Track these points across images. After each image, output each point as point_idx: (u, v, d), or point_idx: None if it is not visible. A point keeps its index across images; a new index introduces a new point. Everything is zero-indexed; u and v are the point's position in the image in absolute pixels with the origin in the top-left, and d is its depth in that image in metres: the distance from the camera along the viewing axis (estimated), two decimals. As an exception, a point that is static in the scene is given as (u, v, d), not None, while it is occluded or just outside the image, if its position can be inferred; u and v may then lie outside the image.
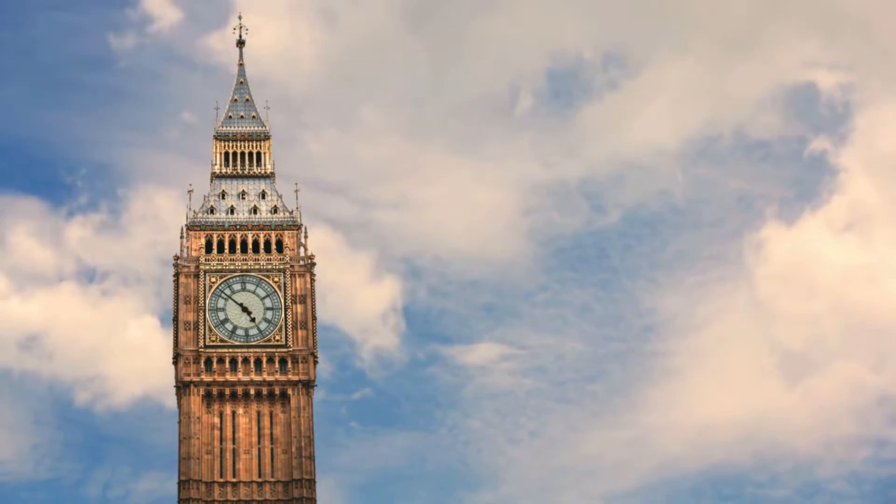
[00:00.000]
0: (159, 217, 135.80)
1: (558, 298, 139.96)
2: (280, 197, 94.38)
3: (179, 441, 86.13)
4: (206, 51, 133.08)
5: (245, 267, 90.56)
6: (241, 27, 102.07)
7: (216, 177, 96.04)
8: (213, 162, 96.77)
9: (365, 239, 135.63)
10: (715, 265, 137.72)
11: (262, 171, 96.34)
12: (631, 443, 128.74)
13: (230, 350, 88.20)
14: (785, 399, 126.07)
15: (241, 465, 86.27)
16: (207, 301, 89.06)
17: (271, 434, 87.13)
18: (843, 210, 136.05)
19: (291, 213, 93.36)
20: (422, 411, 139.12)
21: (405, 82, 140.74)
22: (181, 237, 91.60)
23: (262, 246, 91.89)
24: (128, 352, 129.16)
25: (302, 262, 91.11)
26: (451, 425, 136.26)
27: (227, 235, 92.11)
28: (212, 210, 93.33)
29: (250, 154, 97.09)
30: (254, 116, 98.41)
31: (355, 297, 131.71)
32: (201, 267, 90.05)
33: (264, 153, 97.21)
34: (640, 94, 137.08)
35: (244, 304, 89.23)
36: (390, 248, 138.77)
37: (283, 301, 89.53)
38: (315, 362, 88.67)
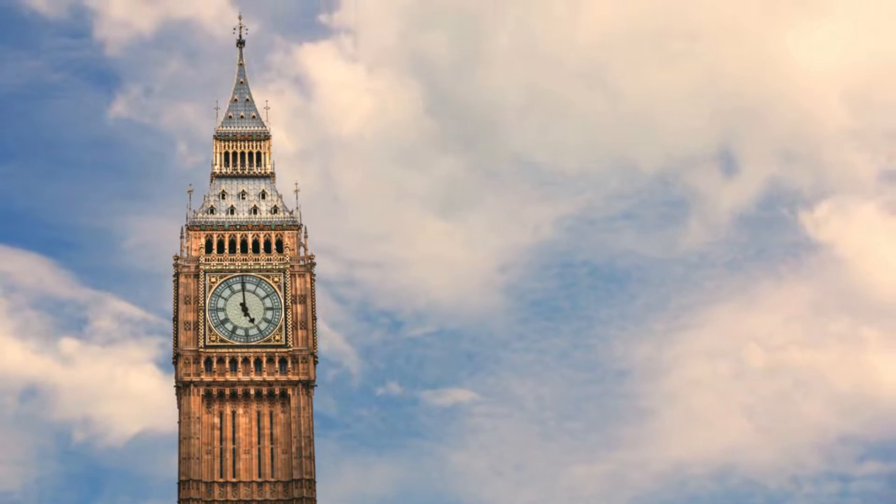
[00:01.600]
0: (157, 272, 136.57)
1: (535, 346, 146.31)
2: (280, 197, 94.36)
3: (179, 441, 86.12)
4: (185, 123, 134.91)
5: (245, 267, 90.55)
6: (241, 27, 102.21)
7: (216, 177, 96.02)
8: (213, 162, 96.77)
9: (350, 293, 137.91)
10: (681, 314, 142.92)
11: (262, 171, 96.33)
12: (608, 477, 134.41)
13: (230, 350, 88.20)
14: (753, 437, 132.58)
15: (241, 465, 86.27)
16: (207, 301, 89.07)
17: (271, 434, 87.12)
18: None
19: (291, 213, 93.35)
20: (409, 444, 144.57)
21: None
22: (181, 237, 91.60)
23: (262, 246, 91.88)
24: (127, 396, 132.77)
25: (302, 262, 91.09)
26: (438, 457, 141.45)
27: (227, 235, 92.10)
28: (212, 210, 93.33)
29: (250, 154, 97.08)
30: (254, 116, 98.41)
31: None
32: (201, 267, 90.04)
33: (264, 153, 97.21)
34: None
35: (244, 305, 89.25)
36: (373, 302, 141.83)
37: (283, 301, 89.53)
38: (315, 362, 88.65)
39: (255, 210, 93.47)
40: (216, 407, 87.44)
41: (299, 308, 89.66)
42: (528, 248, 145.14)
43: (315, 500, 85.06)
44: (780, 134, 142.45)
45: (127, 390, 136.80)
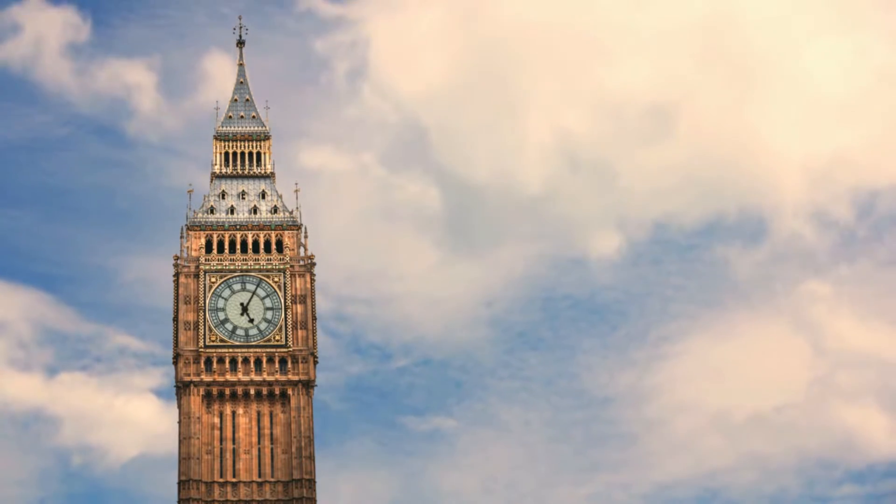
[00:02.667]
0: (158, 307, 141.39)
1: (521, 374, 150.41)
2: (280, 197, 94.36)
3: (179, 441, 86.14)
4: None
5: (245, 267, 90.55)
6: (240, 27, 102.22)
7: (216, 177, 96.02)
8: (213, 162, 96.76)
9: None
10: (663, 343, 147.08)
11: (262, 171, 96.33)
12: (593, 498, 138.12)
13: (230, 350, 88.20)
14: (734, 461, 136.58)
15: (241, 465, 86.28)
16: (207, 301, 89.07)
17: (271, 434, 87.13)
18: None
19: (291, 213, 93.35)
20: (402, 462, 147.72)
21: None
22: (181, 237, 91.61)
23: (262, 246, 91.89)
24: (127, 423, 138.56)
25: (302, 262, 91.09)
26: (430, 476, 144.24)
27: (227, 235, 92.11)
28: (212, 210, 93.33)
29: (250, 154, 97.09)
30: (254, 116, 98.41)
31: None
32: (201, 267, 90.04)
33: (264, 153, 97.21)
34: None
35: (244, 305, 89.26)
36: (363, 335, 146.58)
37: (283, 301, 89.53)
38: (315, 362, 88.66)
39: (255, 210, 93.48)
40: (216, 407, 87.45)
41: (299, 308, 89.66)
42: (514, 283, 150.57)
43: (315, 500, 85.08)
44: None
45: (127, 417, 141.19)
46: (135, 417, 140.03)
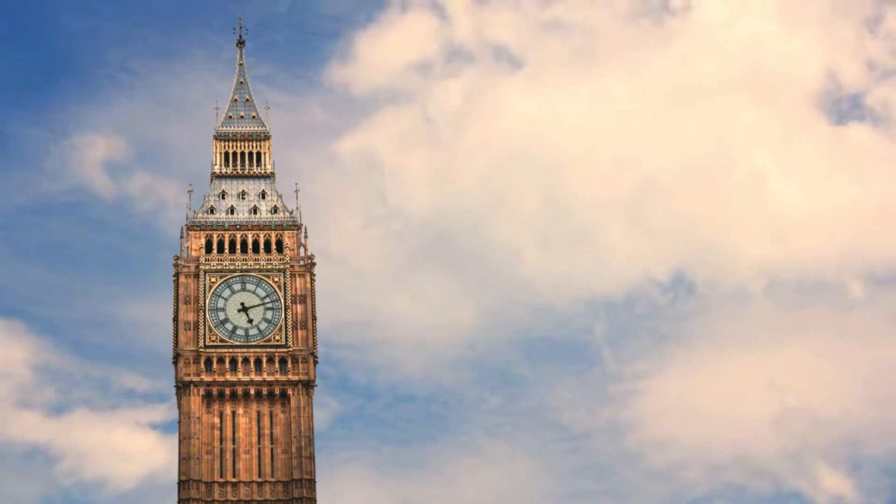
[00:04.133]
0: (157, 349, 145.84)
1: (504, 409, 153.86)
2: (280, 197, 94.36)
3: (179, 441, 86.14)
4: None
5: (245, 267, 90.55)
6: (240, 27, 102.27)
7: (216, 177, 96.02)
8: (213, 162, 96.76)
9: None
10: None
11: (262, 171, 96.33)
12: None
13: (230, 350, 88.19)
14: (708, 490, 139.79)
15: (241, 465, 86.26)
16: (207, 301, 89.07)
17: (271, 434, 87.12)
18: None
19: (291, 213, 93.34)
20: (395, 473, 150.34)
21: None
22: (181, 237, 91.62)
23: (262, 246, 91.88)
24: (128, 455, 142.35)
25: (302, 262, 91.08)
26: (425, 487, 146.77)
27: (227, 235, 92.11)
28: (212, 210, 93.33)
29: (250, 154, 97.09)
30: (254, 116, 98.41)
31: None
32: (201, 267, 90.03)
33: (264, 153, 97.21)
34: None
35: (244, 306, 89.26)
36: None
37: (283, 301, 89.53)
38: (315, 362, 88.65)
39: (255, 210, 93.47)
40: (216, 407, 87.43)
41: (299, 308, 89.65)
42: (495, 326, 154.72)
43: (315, 500, 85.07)
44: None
45: (127, 448, 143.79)
46: (135, 448, 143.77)
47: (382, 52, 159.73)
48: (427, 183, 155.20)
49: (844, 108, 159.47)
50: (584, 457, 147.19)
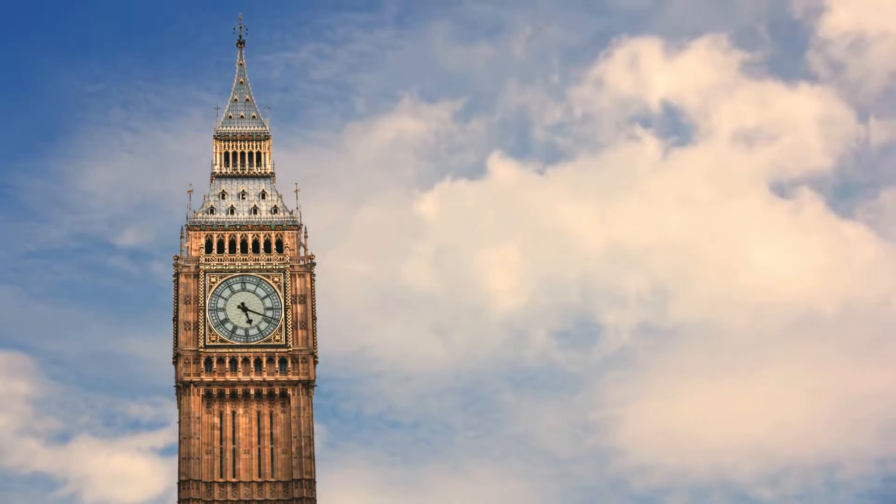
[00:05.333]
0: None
1: (490, 433, 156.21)
2: (280, 197, 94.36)
3: (179, 441, 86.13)
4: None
5: (245, 267, 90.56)
6: (240, 27, 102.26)
7: (216, 177, 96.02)
8: (213, 162, 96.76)
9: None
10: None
11: (262, 171, 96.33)
12: None
13: (230, 350, 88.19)
14: None
15: (241, 465, 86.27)
16: (207, 301, 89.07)
17: (271, 434, 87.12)
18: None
19: (291, 213, 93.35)
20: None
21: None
22: (181, 237, 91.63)
23: (262, 246, 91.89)
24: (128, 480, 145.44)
25: (302, 262, 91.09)
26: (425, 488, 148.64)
27: (227, 235, 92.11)
28: (212, 210, 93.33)
29: (250, 154, 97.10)
30: (254, 116, 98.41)
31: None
32: (201, 267, 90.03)
33: (264, 153, 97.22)
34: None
35: (244, 306, 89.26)
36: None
37: (283, 301, 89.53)
38: (315, 362, 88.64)
39: (255, 210, 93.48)
40: (216, 407, 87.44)
41: (299, 308, 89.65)
42: (481, 360, 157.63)
43: (315, 500, 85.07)
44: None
45: (128, 473, 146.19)
46: (136, 472, 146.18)
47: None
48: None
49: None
50: (570, 481, 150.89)
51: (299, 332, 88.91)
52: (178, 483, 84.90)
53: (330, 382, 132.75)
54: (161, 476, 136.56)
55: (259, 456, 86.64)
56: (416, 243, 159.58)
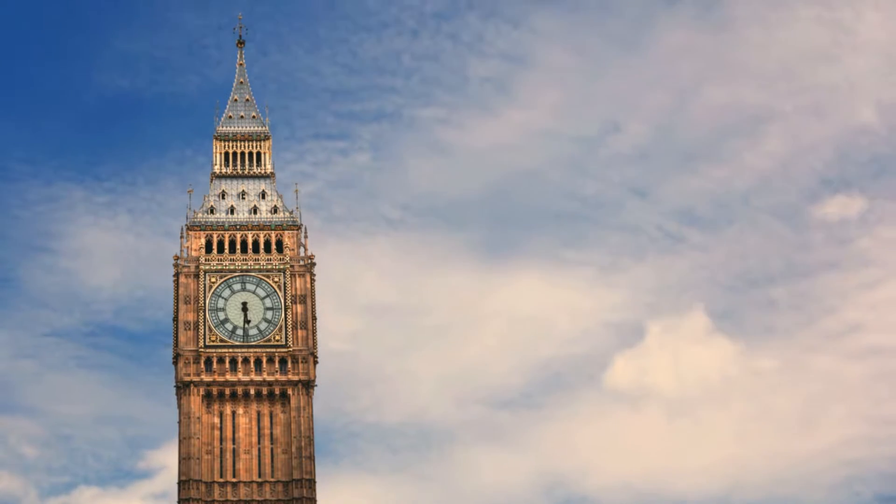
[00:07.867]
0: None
1: (488, 441, 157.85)
2: (280, 197, 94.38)
3: (179, 441, 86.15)
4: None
5: (245, 267, 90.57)
6: (240, 27, 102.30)
7: (216, 177, 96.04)
8: (213, 162, 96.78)
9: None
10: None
11: (262, 171, 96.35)
12: None
13: (230, 350, 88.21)
14: None
15: (241, 465, 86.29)
16: (207, 301, 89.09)
17: (271, 434, 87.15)
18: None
19: (291, 213, 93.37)
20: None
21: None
22: (181, 237, 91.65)
23: (262, 246, 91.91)
24: None
25: (302, 262, 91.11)
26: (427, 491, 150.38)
27: (227, 235, 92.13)
28: (212, 210, 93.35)
29: (250, 154, 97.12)
30: (254, 116, 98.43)
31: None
32: (201, 267, 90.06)
33: (264, 153, 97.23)
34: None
35: (244, 306, 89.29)
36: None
37: (283, 301, 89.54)
38: (315, 362, 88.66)
39: (255, 210, 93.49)
40: (216, 407, 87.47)
41: (299, 308, 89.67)
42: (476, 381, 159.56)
43: (315, 500, 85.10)
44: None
45: None
46: None
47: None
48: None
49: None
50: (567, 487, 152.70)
51: (299, 332, 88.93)
52: (178, 483, 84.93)
53: (330, 382, 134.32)
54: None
55: (259, 456, 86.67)
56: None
